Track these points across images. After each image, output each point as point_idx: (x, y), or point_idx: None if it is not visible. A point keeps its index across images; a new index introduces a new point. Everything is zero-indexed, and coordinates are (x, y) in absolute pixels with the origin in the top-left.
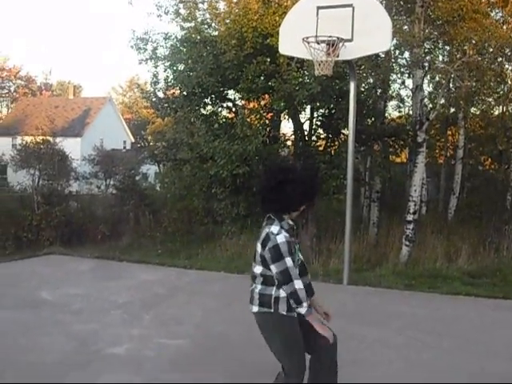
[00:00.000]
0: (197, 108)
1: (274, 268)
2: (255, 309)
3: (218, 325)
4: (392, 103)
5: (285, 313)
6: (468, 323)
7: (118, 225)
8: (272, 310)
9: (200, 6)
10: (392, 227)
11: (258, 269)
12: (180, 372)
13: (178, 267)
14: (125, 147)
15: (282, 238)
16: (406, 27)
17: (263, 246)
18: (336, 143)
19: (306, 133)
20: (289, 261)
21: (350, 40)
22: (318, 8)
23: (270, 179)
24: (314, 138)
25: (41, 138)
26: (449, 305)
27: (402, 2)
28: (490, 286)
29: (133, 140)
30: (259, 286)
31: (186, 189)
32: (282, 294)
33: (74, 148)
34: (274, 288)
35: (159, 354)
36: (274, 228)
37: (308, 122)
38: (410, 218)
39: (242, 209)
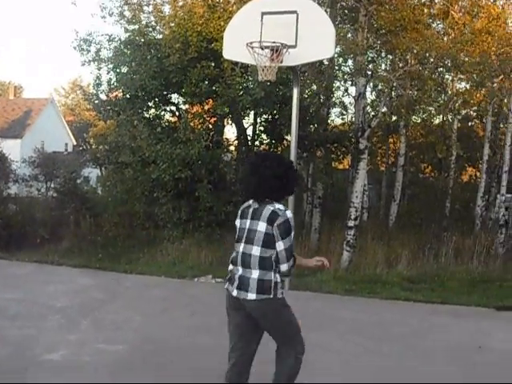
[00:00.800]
0: (140, 111)
1: (281, 245)
2: (252, 296)
3: (157, 330)
4: (335, 110)
5: (282, 296)
6: (407, 328)
7: (57, 228)
8: (271, 296)
9: (145, 8)
10: (333, 233)
11: (255, 250)
12: (117, 378)
13: (118, 272)
14: (66, 150)
15: (290, 213)
16: (349, 35)
17: (270, 222)
18: (279, 149)
19: (249, 138)
20: (293, 236)
21: (294, 46)
22: (263, 14)
23: (275, 167)
24: (257, 143)
25: None
26: (388, 310)
27: (346, 11)
28: (429, 292)
29: (75, 142)
30: (257, 272)
31: (128, 192)
32: (278, 278)
33: (13, 150)
34: (272, 273)
35: (97, 359)
36: (279, 205)
37: (251, 127)
38: (351, 223)
39: (184, 213)
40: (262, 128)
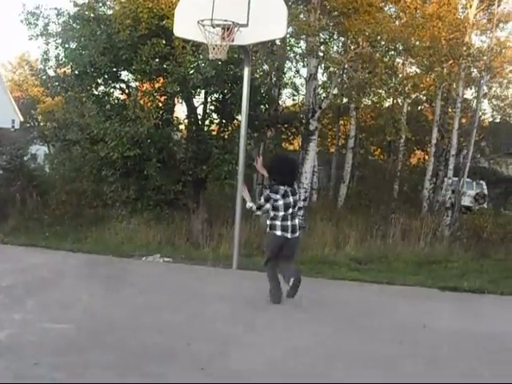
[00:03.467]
0: (88, 88)
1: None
2: (297, 234)
3: (103, 309)
4: (286, 91)
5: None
6: (353, 308)
7: (3, 206)
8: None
9: None
10: None
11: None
12: (63, 357)
13: (65, 250)
14: (13, 126)
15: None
16: (302, 16)
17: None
18: (229, 128)
19: (199, 117)
20: None
21: (246, 25)
22: None
23: (293, 164)
24: (207, 122)
25: None
26: (335, 290)
27: None
28: (376, 272)
29: (22, 119)
30: (297, 220)
31: (76, 171)
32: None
33: None
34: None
35: (42, 339)
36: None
37: (202, 106)
38: (300, 204)
39: (133, 192)
40: (212, 107)
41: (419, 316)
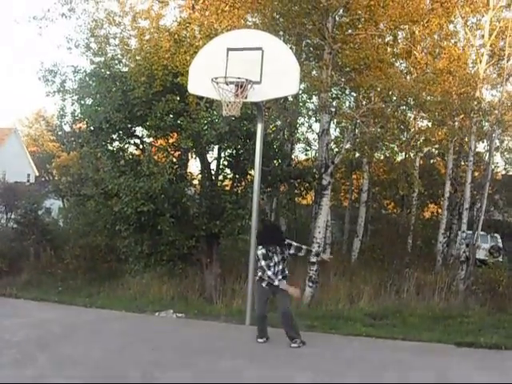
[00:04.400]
0: (103, 143)
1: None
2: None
3: (116, 365)
4: (299, 146)
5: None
6: (367, 364)
7: (17, 260)
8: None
9: (111, 41)
10: (296, 268)
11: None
12: None
13: (78, 305)
14: (28, 180)
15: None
16: (314, 72)
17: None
18: (243, 183)
19: (213, 172)
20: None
21: (259, 82)
22: (228, 50)
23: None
24: (220, 177)
25: None
26: (349, 346)
27: (311, 48)
28: (390, 327)
29: (37, 173)
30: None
31: (90, 225)
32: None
33: None
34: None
35: None
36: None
37: (215, 161)
38: (313, 259)
39: (146, 247)
40: (225, 162)
41: (435, 372)
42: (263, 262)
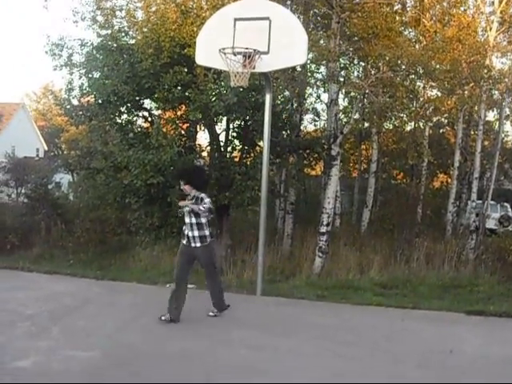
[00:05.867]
0: (112, 116)
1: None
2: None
3: (128, 336)
4: (308, 116)
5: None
6: (378, 333)
7: (28, 234)
8: None
9: (117, 13)
10: (306, 239)
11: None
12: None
13: (90, 278)
14: (38, 155)
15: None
16: (322, 42)
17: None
18: (251, 155)
19: (221, 144)
20: None
21: (267, 52)
22: (235, 20)
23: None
24: (229, 149)
25: None
26: (360, 315)
27: (318, 18)
28: (400, 297)
29: (46, 148)
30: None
31: (100, 198)
32: None
33: None
34: None
35: (68, 366)
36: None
37: (224, 132)
38: (323, 229)
39: (156, 219)
40: (234, 134)
41: (445, 341)
42: (206, 218)
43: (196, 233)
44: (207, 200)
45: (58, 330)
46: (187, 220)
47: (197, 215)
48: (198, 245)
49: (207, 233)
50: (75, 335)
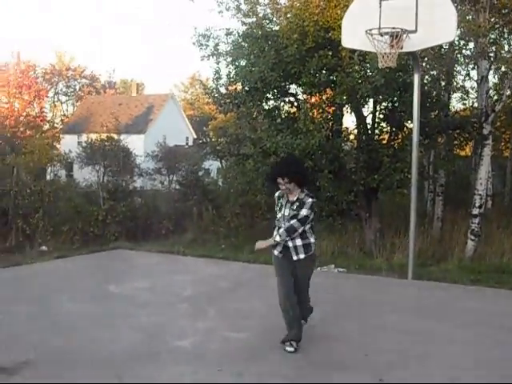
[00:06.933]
0: (259, 103)
1: None
2: None
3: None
4: (456, 95)
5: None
6: None
7: (181, 220)
8: None
9: (261, 1)
10: (457, 222)
11: None
12: (244, 364)
13: (242, 261)
14: (187, 143)
15: None
16: (470, 17)
17: None
18: (399, 136)
19: (369, 126)
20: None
21: (414, 31)
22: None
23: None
24: (377, 131)
25: (105, 135)
26: None
27: None
28: None
29: (195, 136)
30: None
31: (249, 183)
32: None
33: (137, 144)
34: None
35: (224, 346)
36: None
37: (371, 115)
38: (475, 211)
39: None
40: (381, 116)
41: None
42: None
43: (299, 242)
44: (310, 201)
45: (214, 312)
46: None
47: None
48: (302, 256)
49: (312, 240)
50: (230, 317)
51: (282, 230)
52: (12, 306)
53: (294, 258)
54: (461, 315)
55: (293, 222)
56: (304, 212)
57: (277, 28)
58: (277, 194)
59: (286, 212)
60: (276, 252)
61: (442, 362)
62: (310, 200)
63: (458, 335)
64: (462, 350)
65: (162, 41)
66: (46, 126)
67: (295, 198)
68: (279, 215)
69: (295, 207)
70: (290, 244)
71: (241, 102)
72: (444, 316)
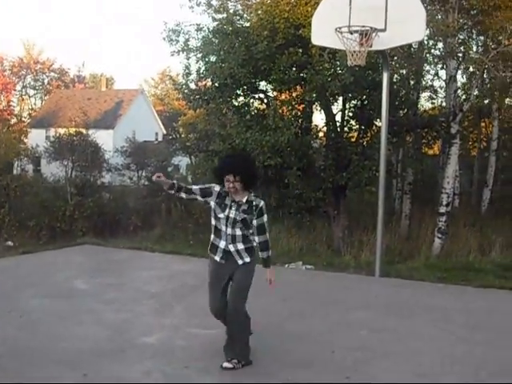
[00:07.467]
0: (229, 99)
1: None
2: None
3: (251, 315)
4: (425, 94)
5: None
6: (501, 316)
7: (149, 216)
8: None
9: None
10: (424, 220)
11: None
12: (210, 361)
13: None
14: (157, 139)
15: None
16: (439, 17)
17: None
18: (368, 134)
19: (338, 124)
20: None
21: (384, 30)
22: None
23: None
24: (346, 129)
25: (74, 129)
26: (482, 298)
27: None
28: None
29: (165, 132)
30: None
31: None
32: None
33: (106, 140)
34: None
35: (191, 343)
36: None
37: (340, 113)
38: (442, 210)
39: (274, 200)
40: (350, 114)
41: None
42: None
43: (240, 245)
44: (263, 203)
45: (181, 309)
46: (229, 231)
47: (247, 226)
48: (248, 260)
49: (254, 244)
50: (197, 313)
51: (267, 252)
52: None
53: (240, 262)
54: (427, 312)
55: (263, 236)
56: (265, 218)
57: (247, 24)
58: (218, 190)
59: (232, 214)
60: (218, 258)
61: (408, 358)
62: (263, 202)
63: (423, 332)
64: (428, 347)
65: (133, 35)
66: (14, 120)
67: (244, 200)
68: (221, 215)
69: (246, 209)
70: (232, 248)
71: (210, 98)
72: (410, 313)
